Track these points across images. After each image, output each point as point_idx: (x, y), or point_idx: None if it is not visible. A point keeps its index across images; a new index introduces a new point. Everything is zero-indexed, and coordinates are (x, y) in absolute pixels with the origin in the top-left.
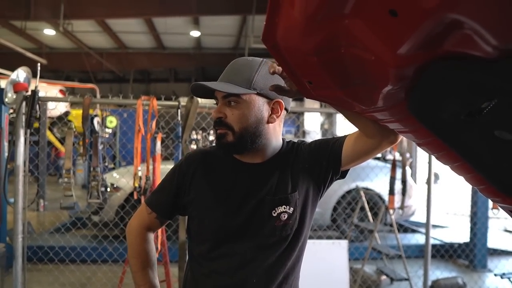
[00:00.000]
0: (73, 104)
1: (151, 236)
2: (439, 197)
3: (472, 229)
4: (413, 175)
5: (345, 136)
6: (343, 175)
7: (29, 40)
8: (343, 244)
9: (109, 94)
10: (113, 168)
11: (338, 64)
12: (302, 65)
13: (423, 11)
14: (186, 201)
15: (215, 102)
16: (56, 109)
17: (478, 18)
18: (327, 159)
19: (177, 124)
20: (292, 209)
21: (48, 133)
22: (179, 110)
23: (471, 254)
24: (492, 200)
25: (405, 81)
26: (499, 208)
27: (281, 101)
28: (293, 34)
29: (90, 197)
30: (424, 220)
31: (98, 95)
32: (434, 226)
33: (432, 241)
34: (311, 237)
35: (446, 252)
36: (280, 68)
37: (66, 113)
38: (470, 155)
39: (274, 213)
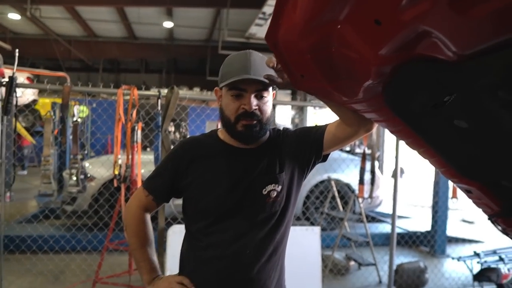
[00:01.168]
0: (41, 93)
1: (148, 217)
2: (404, 190)
3: (433, 218)
4: (380, 167)
5: (327, 125)
6: (325, 158)
7: None
8: (316, 230)
9: (77, 83)
10: (82, 159)
11: (328, 61)
12: (297, 61)
13: (401, 22)
14: (183, 184)
15: (234, 96)
16: (23, 96)
17: (442, 30)
18: (311, 144)
19: (157, 114)
20: (280, 187)
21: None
22: (159, 100)
23: (432, 241)
24: (451, 181)
25: (383, 77)
26: (458, 197)
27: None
28: (292, 34)
29: (69, 184)
30: (389, 211)
31: (68, 84)
32: (399, 217)
33: (397, 230)
34: None
35: (409, 239)
36: (275, 60)
37: (33, 102)
38: (434, 141)
39: (265, 191)
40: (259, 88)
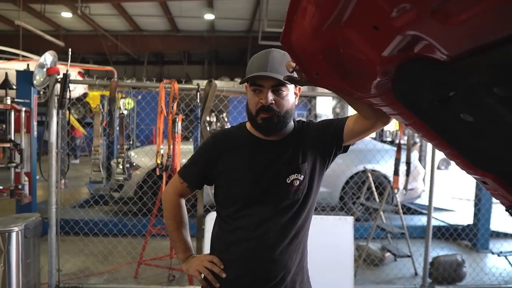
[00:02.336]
0: (90, 86)
1: (183, 201)
2: (449, 182)
3: (475, 212)
4: (422, 159)
5: (347, 118)
6: (345, 149)
7: (47, 22)
8: (349, 220)
9: (124, 75)
10: (128, 148)
11: (338, 61)
12: (311, 61)
13: (394, 28)
14: (215, 173)
15: (251, 89)
16: (74, 90)
17: (429, 35)
18: (331, 136)
19: (196, 106)
20: (303, 176)
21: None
22: (198, 93)
23: (473, 235)
24: (466, 172)
25: (389, 74)
26: None
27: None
28: (304, 38)
29: (116, 172)
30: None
31: (115, 77)
32: (442, 209)
33: (437, 223)
34: (320, 214)
35: (449, 234)
36: (294, 64)
37: (84, 95)
38: (445, 134)
39: (288, 180)
40: (275, 84)
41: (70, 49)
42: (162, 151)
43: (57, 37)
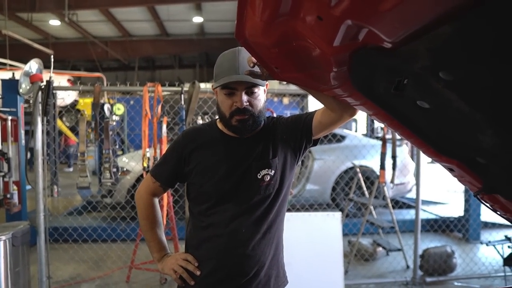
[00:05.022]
0: (81, 93)
1: (157, 201)
2: (441, 175)
3: (466, 202)
4: (414, 153)
5: (315, 111)
6: (315, 143)
7: (35, 31)
8: (337, 215)
9: (115, 82)
10: (122, 154)
11: (293, 53)
12: (268, 55)
13: (335, 17)
14: (186, 171)
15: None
16: (65, 98)
17: (367, 21)
18: (301, 130)
19: (181, 108)
20: (274, 171)
21: (59, 122)
22: (182, 95)
23: (465, 227)
24: (433, 160)
25: (344, 64)
26: None
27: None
28: (257, 32)
29: (103, 177)
30: (423, 197)
31: (105, 84)
32: (435, 203)
33: (428, 216)
34: (308, 211)
35: (439, 226)
36: (254, 59)
37: (75, 102)
38: (406, 122)
39: (259, 175)
40: (249, 85)
41: (52, 56)
42: (148, 154)
43: (46, 45)
